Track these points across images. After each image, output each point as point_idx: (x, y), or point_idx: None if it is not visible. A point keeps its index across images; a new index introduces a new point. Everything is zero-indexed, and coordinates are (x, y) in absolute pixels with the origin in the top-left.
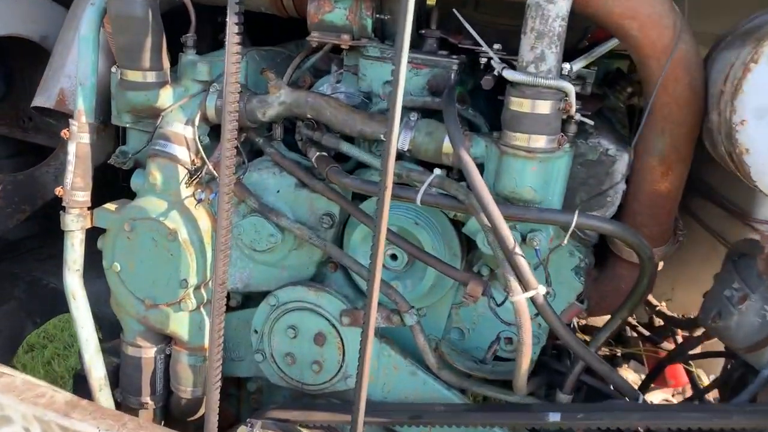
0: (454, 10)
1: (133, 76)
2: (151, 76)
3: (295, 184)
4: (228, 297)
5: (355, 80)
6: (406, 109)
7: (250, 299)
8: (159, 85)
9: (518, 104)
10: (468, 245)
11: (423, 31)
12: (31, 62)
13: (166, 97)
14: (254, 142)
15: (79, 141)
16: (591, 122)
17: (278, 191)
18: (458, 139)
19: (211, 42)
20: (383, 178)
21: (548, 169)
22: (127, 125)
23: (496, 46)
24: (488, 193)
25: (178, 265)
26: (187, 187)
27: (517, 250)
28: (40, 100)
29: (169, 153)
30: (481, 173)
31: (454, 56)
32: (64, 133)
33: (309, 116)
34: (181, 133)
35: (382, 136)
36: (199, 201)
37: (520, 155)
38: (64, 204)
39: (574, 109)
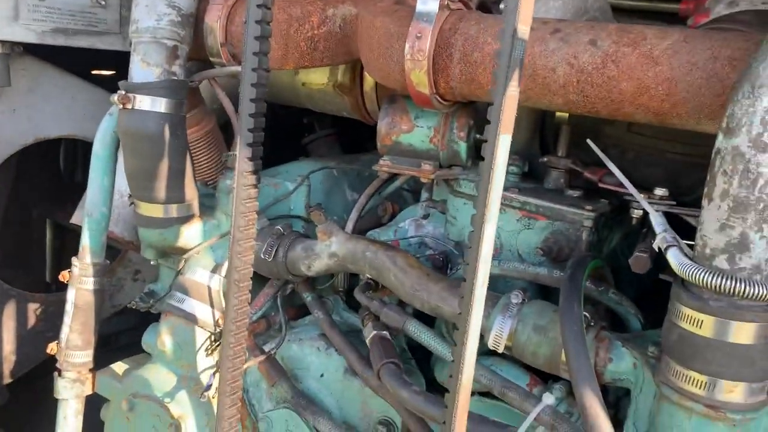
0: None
1: (146, 210)
2: (168, 210)
3: (345, 369)
4: None
5: (444, 221)
6: (508, 281)
7: None
8: (180, 221)
9: (693, 321)
10: None
11: (545, 159)
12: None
13: (190, 235)
14: (302, 297)
15: (79, 286)
16: None
17: (322, 375)
18: (579, 357)
19: (297, 152)
20: (452, 396)
21: None
22: (153, 262)
23: (660, 191)
24: None
25: None
26: (207, 358)
27: None
28: (77, 218)
29: (184, 311)
30: (616, 407)
31: (590, 204)
32: (62, 275)
33: (369, 276)
34: (205, 283)
35: None
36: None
37: (696, 411)
38: (57, 365)
39: None
